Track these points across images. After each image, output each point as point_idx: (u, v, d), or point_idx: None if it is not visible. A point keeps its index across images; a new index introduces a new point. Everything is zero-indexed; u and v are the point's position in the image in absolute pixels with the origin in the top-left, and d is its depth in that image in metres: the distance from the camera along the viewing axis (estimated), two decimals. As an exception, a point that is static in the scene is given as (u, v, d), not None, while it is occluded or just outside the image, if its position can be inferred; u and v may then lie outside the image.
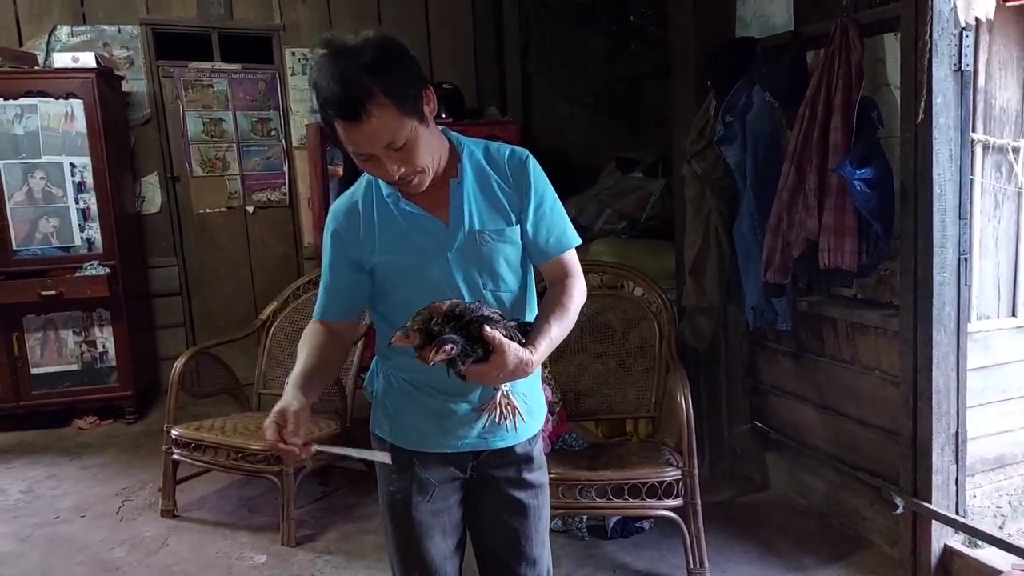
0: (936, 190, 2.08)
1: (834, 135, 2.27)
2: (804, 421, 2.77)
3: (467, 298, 1.31)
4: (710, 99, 2.76)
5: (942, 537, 2.23)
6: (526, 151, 1.40)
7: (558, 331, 1.31)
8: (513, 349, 1.21)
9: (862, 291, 2.53)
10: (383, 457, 1.36)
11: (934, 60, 2.02)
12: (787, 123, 2.57)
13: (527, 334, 1.28)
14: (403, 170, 1.25)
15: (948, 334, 2.15)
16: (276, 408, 1.25)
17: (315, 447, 1.26)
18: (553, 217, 1.38)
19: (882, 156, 2.24)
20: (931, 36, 2.01)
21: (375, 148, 1.22)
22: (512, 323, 1.28)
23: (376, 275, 1.37)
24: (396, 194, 1.33)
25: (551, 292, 1.39)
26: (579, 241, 1.43)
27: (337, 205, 1.40)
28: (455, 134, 1.39)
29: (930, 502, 2.19)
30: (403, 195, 1.33)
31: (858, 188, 2.17)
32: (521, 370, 1.22)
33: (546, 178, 1.39)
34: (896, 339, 2.29)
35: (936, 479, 2.19)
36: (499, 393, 1.34)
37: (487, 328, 1.19)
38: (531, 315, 1.41)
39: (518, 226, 1.36)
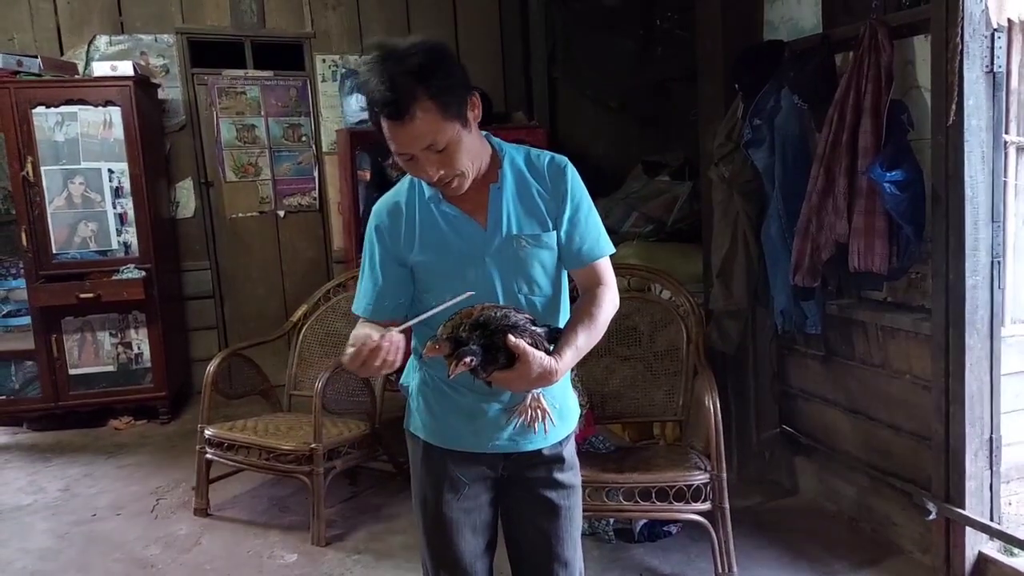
0: (968, 192, 2.06)
1: (864, 138, 2.26)
2: (834, 425, 2.75)
3: (502, 301, 1.34)
4: (738, 102, 2.76)
5: (976, 544, 2.20)
6: (565, 159, 1.42)
7: (585, 340, 1.33)
8: (537, 358, 1.23)
9: (892, 294, 2.50)
10: (465, 296, 1.30)
11: (965, 62, 2.01)
12: (815, 126, 2.56)
13: (556, 341, 1.30)
14: (442, 172, 1.29)
15: (981, 338, 2.13)
16: (352, 338, 1.28)
17: (394, 330, 1.25)
18: (588, 225, 1.41)
19: (912, 159, 2.22)
20: (962, 38, 1.99)
21: (416, 149, 1.26)
22: (541, 330, 1.30)
23: (417, 275, 1.40)
24: (437, 196, 1.36)
25: (581, 300, 1.41)
26: (613, 250, 1.45)
27: (381, 203, 1.43)
28: (497, 140, 1.42)
29: (963, 508, 2.16)
30: (444, 197, 1.36)
31: (888, 190, 2.16)
32: (545, 379, 1.25)
33: (583, 186, 1.42)
34: (927, 343, 2.27)
35: (969, 485, 2.16)
36: (529, 396, 1.36)
37: (511, 337, 1.22)
38: (563, 320, 1.42)
39: (554, 232, 1.39)
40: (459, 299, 1.29)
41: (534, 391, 1.35)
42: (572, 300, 1.47)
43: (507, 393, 1.39)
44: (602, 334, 1.38)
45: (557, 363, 1.26)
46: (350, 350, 1.25)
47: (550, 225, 1.38)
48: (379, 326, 1.34)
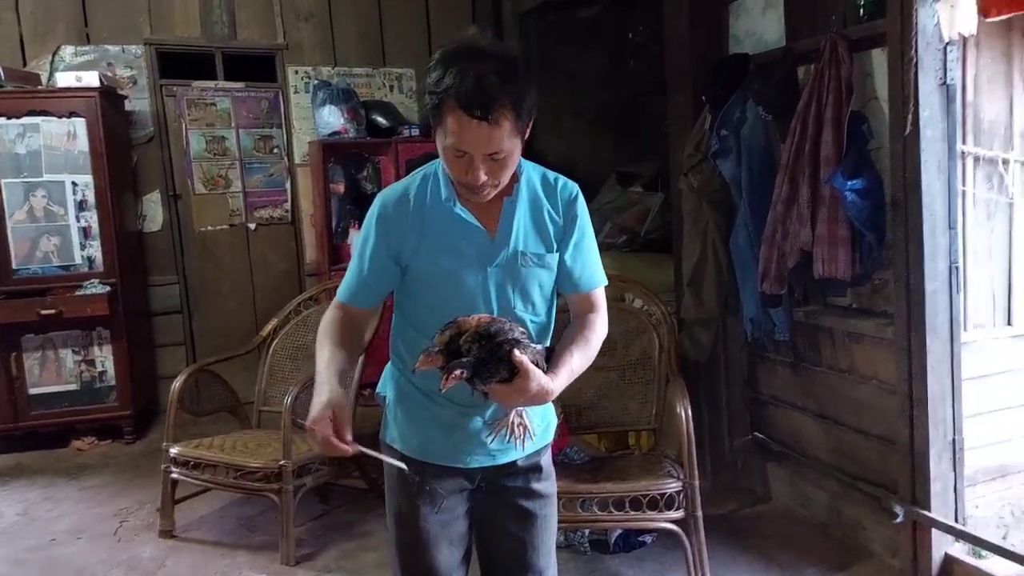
0: (925, 200, 2.11)
1: (825, 148, 2.31)
2: (804, 431, 2.78)
3: (496, 313, 1.33)
4: (705, 114, 2.80)
5: (942, 546, 2.23)
6: (576, 186, 1.44)
7: (579, 363, 1.34)
8: (537, 377, 1.23)
9: (857, 300, 2.55)
10: (404, 467, 1.37)
11: (920, 74, 2.07)
12: (780, 136, 2.61)
13: (549, 361, 1.31)
14: (486, 178, 1.28)
15: (942, 341, 2.17)
16: (325, 401, 1.26)
17: (359, 448, 1.26)
18: (590, 254, 1.44)
19: (872, 167, 2.28)
20: (916, 51, 2.05)
21: (478, 151, 1.25)
22: (539, 349, 1.30)
23: (410, 273, 1.38)
24: (453, 198, 1.35)
25: (576, 323, 1.42)
26: (607, 281, 1.48)
27: (388, 193, 1.41)
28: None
29: (929, 510, 2.20)
30: (459, 200, 1.36)
31: (850, 199, 2.21)
32: (540, 397, 1.25)
33: (589, 216, 1.45)
34: (891, 347, 2.31)
35: (934, 487, 2.19)
36: (513, 412, 1.35)
37: (516, 352, 1.21)
38: (547, 343, 1.43)
39: (557, 254, 1.40)
40: (399, 465, 1.37)
41: (519, 407, 1.35)
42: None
43: (489, 408, 1.39)
44: (594, 358, 1.39)
45: (553, 382, 1.26)
46: (323, 417, 1.25)
47: (555, 247, 1.39)
48: (346, 358, 1.35)
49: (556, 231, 1.40)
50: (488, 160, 1.26)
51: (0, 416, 3.76)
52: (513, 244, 1.36)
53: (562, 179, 1.43)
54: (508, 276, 1.36)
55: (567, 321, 1.46)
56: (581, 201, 1.42)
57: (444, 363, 1.20)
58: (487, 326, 1.22)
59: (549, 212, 1.39)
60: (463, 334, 1.21)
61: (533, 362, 1.23)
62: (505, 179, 1.31)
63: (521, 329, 1.29)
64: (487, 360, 1.20)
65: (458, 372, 1.18)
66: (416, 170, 1.43)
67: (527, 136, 1.31)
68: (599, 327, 1.41)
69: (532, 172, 1.41)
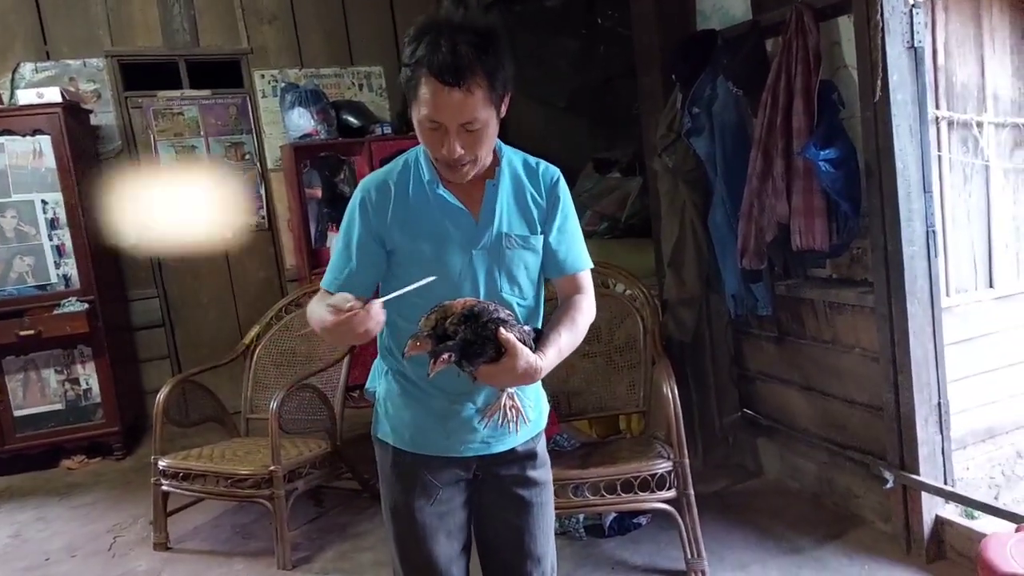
0: (899, 165, 2.11)
1: (797, 119, 2.30)
2: (792, 404, 2.79)
3: (483, 296, 1.33)
4: (676, 93, 2.79)
5: (933, 508, 2.25)
6: (558, 170, 1.45)
7: (567, 342, 1.34)
8: (524, 354, 1.23)
9: (837, 271, 2.56)
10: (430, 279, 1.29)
11: (887, 39, 2.06)
12: (752, 111, 2.60)
13: (537, 341, 1.31)
14: (462, 151, 1.27)
15: (922, 306, 2.18)
16: (323, 306, 1.25)
17: (376, 301, 1.22)
18: (574, 237, 1.44)
19: (845, 136, 2.28)
20: (882, 15, 2.05)
21: (452, 121, 1.24)
22: (527, 328, 1.30)
23: (395, 258, 1.37)
24: (436, 180, 1.35)
25: (563, 305, 1.43)
26: (592, 264, 1.48)
27: (369, 179, 1.40)
28: (498, 140, 1.41)
29: (918, 474, 2.21)
30: (441, 183, 1.35)
31: (823, 169, 2.20)
32: (529, 376, 1.25)
33: (571, 200, 1.45)
34: (872, 315, 2.32)
35: (922, 451, 2.21)
36: (504, 395, 1.35)
37: (502, 330, 1.21)
38: (537, 326, 1.42)
39: (541, 236, 1.40)
40: (426, 280, 1.27)
41: (509, 390, 1.35)
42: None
43: (480, 395, 1.38)
44: (582, 338, 1.39)
45: (541, 361, 1.26)
46: (328, 314, 1.20)
47: (538, 229, 1.40)
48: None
49: (540, 214, 1.40)
50: (463, 132, 1.26)
51: (-15, 441, 3.71)
52: (497, 226, 1.36)
53: (543, 163, 1.44)
54: (493, 259, 1.36)
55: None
56: (563, 184, 1.43)
57: (433, 347, 1.20)
58: (472, 307, 1.22)
59: (532, 195, 1.39)
60: (449, 317, 1.21)
61: (520, 340, 1.23)
62: (483, 154, 1.30)
63: (507, 310, 1.29)
64: (473, 341, 1.20)
65: (446, 356, 1.18)
66: (397, 157, 1.42)
67: (503, 112, 1.30)
68: (586, 308, 1.42)
69: (513, 156, 1.42)
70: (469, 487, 1.46)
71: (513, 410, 1.36)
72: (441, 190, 1.34)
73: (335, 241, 1.41)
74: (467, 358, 1.20)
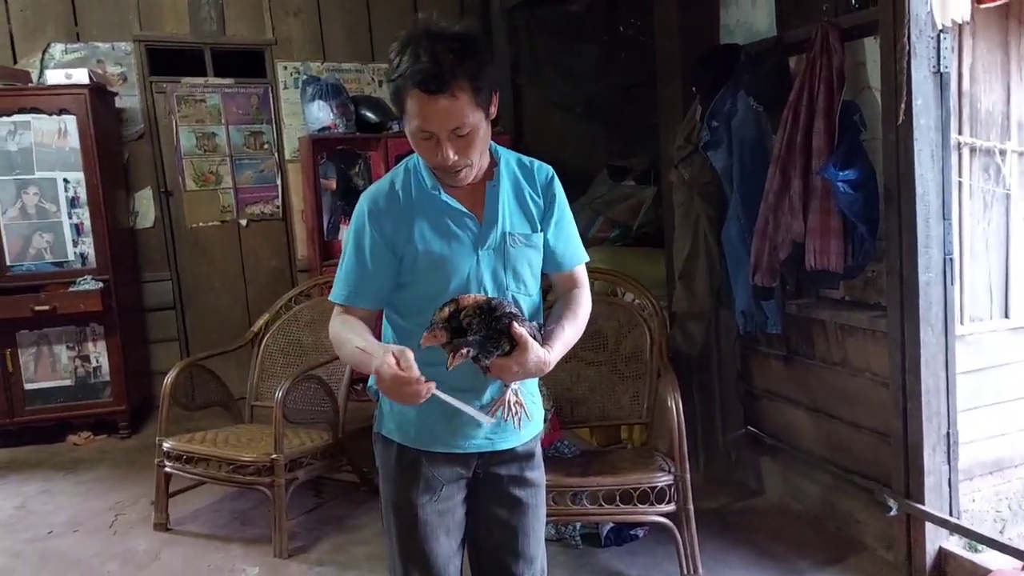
0: (919, 190, 2.09)
1: (817, 138, 2.29)
2: (797, 425, 2.77)
3: (492, 294, 1.36)
4: (696, 105, 2.78)
5: (937, 539, 2.22)
6: (551, 168, 1.48)
7: (571, 334, 1.41)
8: (535, 348, 1.28)
9: (850, 293, 2.53)
10: (483, 418, 1.34)
11: (913, 62, 2.04)
12: (772, 127, 2.59)
13: (543, 336, 1.36)
14: (456, 157, 1.29)
15: (936, 334, 2.15)
16: (380, 350, 1.24)
17: (435, 387, 1.23)
18: (570, 233, 1.48)
19: (865, 158, 2.26)
20: (909, 39, 2.03)
21: (442, 128, 1.26)
22: (535, 324, 1.35)
23: (404, 264, 1.39)
24: (439, 186, 1.37)
25: (563, 300, 1.48)
26: (588, 258, 1.53)
27: (375, 189, 1.42)
28: (492, 142, 1.43)
29: (923, 504, 2.19)
30: (444, 189, 1.37)
31: (842, 190, 2.19)
32: (539, 368, 1.30)
33: (565, 196, 1.48)
34: (884, 340, 2.30)
35: (928, 480, 2.18)
36: (508, 391, 1.38)
37: (515, 325, 1.25)
38: (540, 321, 1.46)
39: (541, 234, 1.44)
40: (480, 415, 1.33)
41: (513, 386, 1.38)
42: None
43: (485, 392, 1.41)
44: (582, 331, 1.44)
45: (550, 354, 1.32)
46: (389, 367, 1.20)
47: (538, 227, 1.43)
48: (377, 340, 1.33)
49: (538, 212, 1.43)
50: (454, 138, 1.28)
51: (-5, 412, 3.76)
52: (501, 226, 1.39)
53: (536, 162, 1.48)
54: (499, 258, 1.39)
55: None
56: (557, 182, 1.47)
57: (448, 339, 1.23)
58: (488, 301, 1.27)
59: (529, 193, 1.43)
60: (463, 310, 1.25)
61: (531, 335, 1.28)
62: (477, 157, 1.32)
63: (516, 307, 1.33)
64: (489, 334, 1.24)
65: (465, 350, 1.21)
66: (397, 165, 1.44)
67: (493, 113, 1.32)
68: (585, 302, 1.47)
69: (509, 156, 1.45)
70: (469, 485, 1.48)
71: (517, 404, 1.39)
72: (444, 196, 1.37)
73: (343, 254, 1.42)
74: (482, 352, 1.24)
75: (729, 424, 3.02)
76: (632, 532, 2.60)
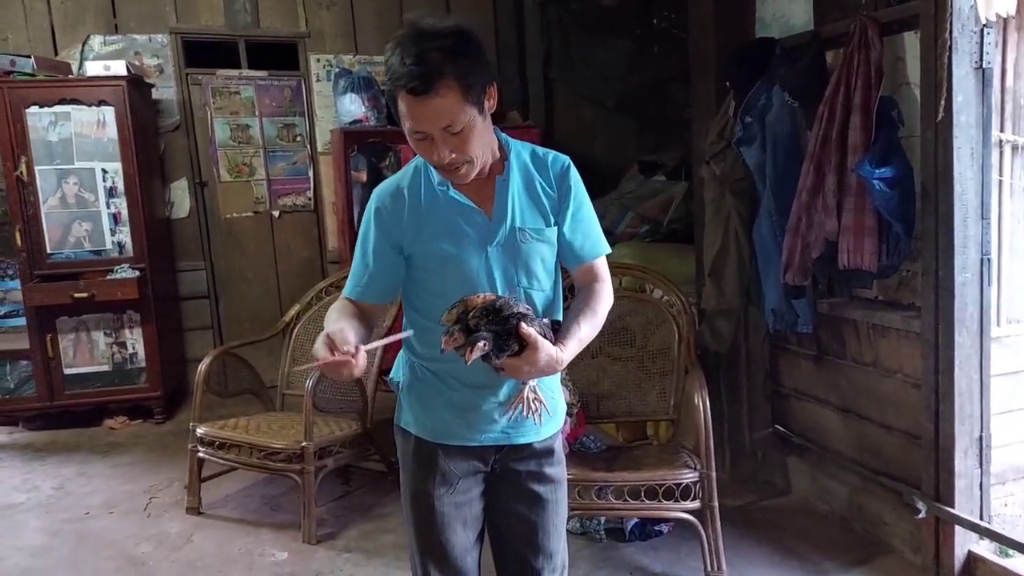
0: (957, 189, 2.05)
1: (853, 135, 2.25)
2: (826, 425, 2.74)
3: (502, 291, 1.35)
4: (729, 100, 2.75)
5: (966, 543, 2.19)
6: (567, 158, 1.45)
7: (587, 331, 1.37)
8: (545, 347, 1.26)
9: (883, 292, 2.50)
10: (407, 334, 1.37)
11: (954, 58, 2.00)
12: (806, 123, 2.55)
13: (557, 332, 1.34)
14: (454, 155, 1.29)
15: (971, 335, 2.12)
16: (323, 334, 1.25)
17: (362, 350, 1.23)
18: (589, 224, 1.45)
19: (902, 155, 2.22)
20: (951, 33, 1.99)
21: (433, 128, 1.26)
22: (545, 321, 1.33)
23: (414, 262, 1.40)
24: (447, 183, 1.37)
25: (581, 295, 1.45)
26: (609, 249, 1.49)
27: (383, 188, 1.43)
28: (504, 135, 1.43)
29: (953, 507, 2.15)
30: (452, 185, 1.37)
31: (877, 188, 2.15)
32: (551, 367, 1.28)
33: (583, 186, 1.45)
34: (918, 341, 2.26)
35: (959, 483, 2.15)
36: (527, 387, 1.37)
37: (523, 325, 1.24)
38: (557, 317, 1.45)
39: (555, 227, 1.41)
40: (405, 335, 1.35)
41: (531, 383, 1.37)
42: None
43: (501, 387, 1.40)
44: (601, 326, 1.41)
45: (562, 352, 1.29)
46: (320, 346, 1.22)
47: (552, 220, 1.41)
48: (355, 321, 1.34)
49: (552, 205, 1.41)
50: (448, 136, 1.27)
51: (37, 395, 3.88)
52: (510, 221, 1.37)
53: (552, 152, 1.45)
54: (509, 254, 1.38)
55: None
56: (574, 172, 1.43)
57: (464, 340, 1.23)
58: (493, 302, 1.25)
59: (542, 186, 1.41)
60: (470, 311, 1.25)
61: (540, 334, 1.26)
62: (477, 153, 1.31)
63: (525, 304, 1.32)
64: (498, 334, 1.23)
65: (482, 344, 1.21)
66: (407, 164, 1.45)
67: (491, 107, 1.31)
68: (604, 296, 1.44)
69: (521, 149, 1.43)
70: (486, 480, 1.49)
71: (536, 402, 1.38)
72: (452, 192, 1.36)
73: (355, 250, 1.45)
74: (493, 351, 1.24)
75: (756, 422, 3.00)
76: (656, 528, 2.61)
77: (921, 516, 2.24)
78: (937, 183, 2.10)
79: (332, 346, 1.21)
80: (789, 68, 2.55)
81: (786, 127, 2.56)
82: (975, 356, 2.14)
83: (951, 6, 1.99)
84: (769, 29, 2.80)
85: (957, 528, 2.16)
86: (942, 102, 2.03)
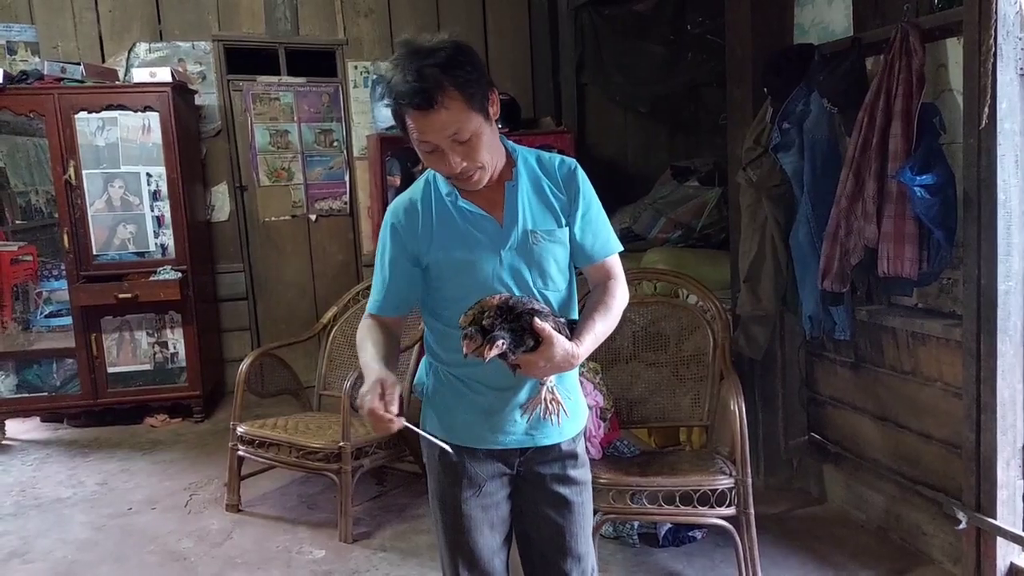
0: (1000, 196, 2.03)
1: (894, 141, 2.23)
2: (863, 433, 2.71)
3: (517, 294, 1.37)
4: (767, 106, 2.74)
5: (1008, 555, 2.15)
6: (574, 160, 1.48)
7: (603, 328, 1.39)
8: (560, 342, 1.29)
9: (923, 300, 2.47)
10: (447, 447, 1.41)
11: (999, 64, 1.98)
12: (845, 130, 2.54)
13: (573, 330, 1.36)
14: (464, 164, 1.32)
15: (1014, 344, 2.09)
16: (374, 379, 1.30)
17: (404, 422, 1.30)
18: (599, 224, 1.47)
19: (944, 162, 2.20)
20: (995, 40, 1.97)
21: (441, 139, 1.30)
22: (561, 319, 1.36)
23: (430, 271, 1.44)
24: (455, 193, 1.40)
25: (595, 292, 1.47)
26: (621, 247, 1.51)
27: (396, 203, 1.47)
28: (510, 142, 1.47)
29: (995, 518, 2.12)
30: (461, 194, 1.40)
31: (919, 195, 2.14)
32: (567, 362, 1.31)
33: (592, 187, 1.47)
34: (959, 349, 2.23)
35: (1001, 494, 2.12)
36: (544, 388, 1.39)
37: (537, 320, 1.26)
38: (573, 316, 1.47)
39: (566, 228, 1.44)
40: (443, 444, 1.39)
41: (549, 384, 1.39)
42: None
43: (523, 388, 1.43)
44: (616, 323, 1.43)
45: (578, 347, 1.32)
46: (372, 395, 1.27)
47: (563, 222, 1.43)
48: (388, 350, 1.40)
49: (561, 206, 1.43)
50: (456, 145, 1.30)
51: (82, 393, 4.00)
52: (522, 224, 1.40)
53: (558, 156, 1.48)
54: (523, 257, 1.40)
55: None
56: (581, 174, 1.46)
57: (482, 342, 1.25)
58: (506, 301, 1.28)
59: (551, 188, 1.44)
60: (485, 312, 1.27)
61: (555, 329, 1.28)
62: (487, 160, 1.34)
63: (540, 303, 1.34)
64: (513, 332, 1.25)
65: (500, 342, 1.23)
66: (419, 177, 1.49)
67: (495, 113, 1.34)
68: (619, 294, 1.45)
69: (528, 154, 1.46)
70: (512, 483, 1.50)
71: (554, 403, 1.40)
72: (462, 202, 1.40)
73: (375, 266, 1.50)
74: (510, 347, 1.26)
75: (791, 430, 2.98)
76: (690, 533, 2.60)
77: (962, 527, 2.20)
78: (980, 190, 2.08)
79: (381, 395, 1.27)
80: (828, 74, 2.54)
81: (824, 133, 2.55)
82: (1018, 365, 2.11)
83: (996, 12, 1.97)
84: (807, 35, 2.79)
85: (999, 539, 2.13)
86: (986, 109, 2.01)
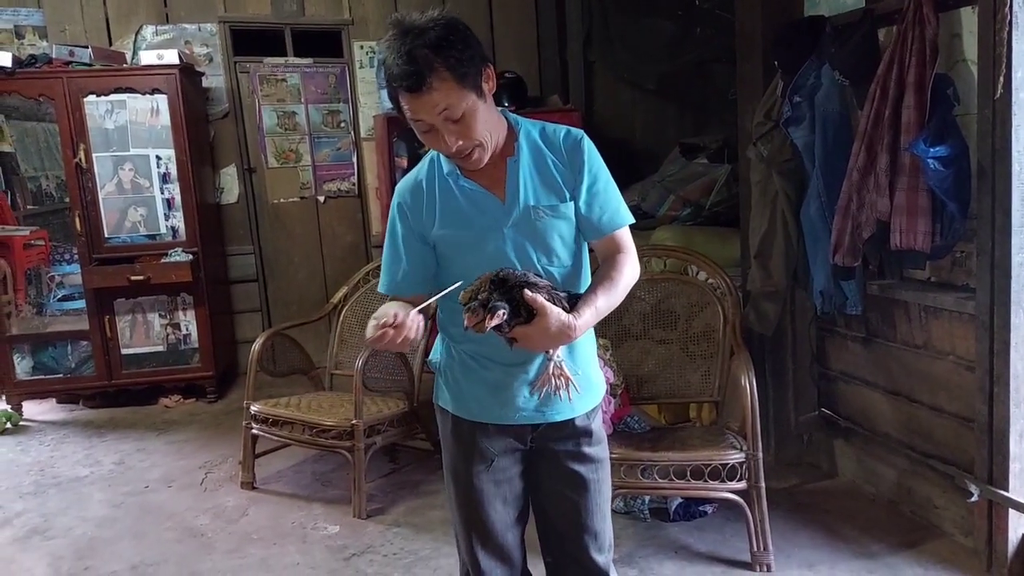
0: (1015, 168, 2.01)
1: (907, 113, 2.21)
2: (874, 408, 2.71)
3: (519, 269, 1.37)
4: (777, 80, 2.72)
5: (1020, 527, 2.16)
6: (581, 131, 1.45)
7: (605, 302, 1.36)
8: (555, 313, 1.27)
9: (936, 274, 2.46)
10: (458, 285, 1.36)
11: (1014, 33, 1.95)
12: (857, 102, 2.51)
13: (575, 304, 1.34)
14: (460, 143, 1.32)
15: (1028, 317, 2.08)
16: (370, 322, 1.30)
17: (414, 311, 1.28)
18: (607, 195, 1.43)
19: (958, 134, 2.17)
20: (1011, 8, 1.94)
21: (433, 117, 1.29)
22: (563, 294, 1.34)
23: (437, 249, 1.45)
24: (456, 171, 1.40)
25: (602, 266, 1.45)
26: (632, 219, 1.47)
27: (402, 183, 1.48)
28: (513, 115, 1.45)
29: (1007, 490, 2.13)
30: (463, 173, 1.40)
31: (932, 167, 2.12)
32: (564, 334, 1.29)
33: (600, 158, 1.44)
34: (972, 323, 2.23)
35: (1013, 467, 2.12)
36: (551, 364, 1.38)
37: (527, 291, 1.26)
38: (581, 292, 1.45)
39: (572, 203, 1.41)
40: (454, 287, 1.34)
41: (556, 359, 1.38)
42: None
43: (532, 364, 1.43)
44: (623, 297, 1.40)
45: (576, 319, 1.29)
46: (372, 324, 1.28)
47: (567, 196, 1.41)
48: (405, 303, 1.37)
49: (565, 179, 1.41)
50: (450, 124, 1.30)
51: (96, 374, 4.05)
52: (523, 200, 1.39)
53: (563, 128, 1.45)
54: (525, 233, 1.39)
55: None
56: (587, 144, 1.42)
57: (484, 313, 1.26)
58: (496, 274, 1.28)
59: (553, 161, 1.41)
60: (481, 287, 1.27)
61: (550, 300, 1.27)
62: (484, 137, 1.33)
63: (535, 275, 1.33)
64: (508, 303, 1.25)
65: (501, 312, 1.23)
66: (424, 156, 1.48)
67: (491, 89, 1.33)
68: (626, 268, 1.42)
69: (531, 128, 1.44)
70: (525, 459, 1.51)
71: (562, 378, 1.38)
72: (463, 180, 1.39)
73: (384, 246, 1.50)
74: (507, 320, 1.26)
75: (802, 405, 2.98)
76: (701, 508, 2.62)
77: (974, 500, 2.21)
78: (994, 162, 2.06)
79: (375, 327, 1.27)
80: (839, 46, 2.51)
81: (836, 106, 2.52)
82: (1032, 338, 2.10)
83: (1012, -21, 1.93)
84: (818, 7, 2.75)
85: (1011, 512, 2.14)
86: (1001, 79, 1.98)
